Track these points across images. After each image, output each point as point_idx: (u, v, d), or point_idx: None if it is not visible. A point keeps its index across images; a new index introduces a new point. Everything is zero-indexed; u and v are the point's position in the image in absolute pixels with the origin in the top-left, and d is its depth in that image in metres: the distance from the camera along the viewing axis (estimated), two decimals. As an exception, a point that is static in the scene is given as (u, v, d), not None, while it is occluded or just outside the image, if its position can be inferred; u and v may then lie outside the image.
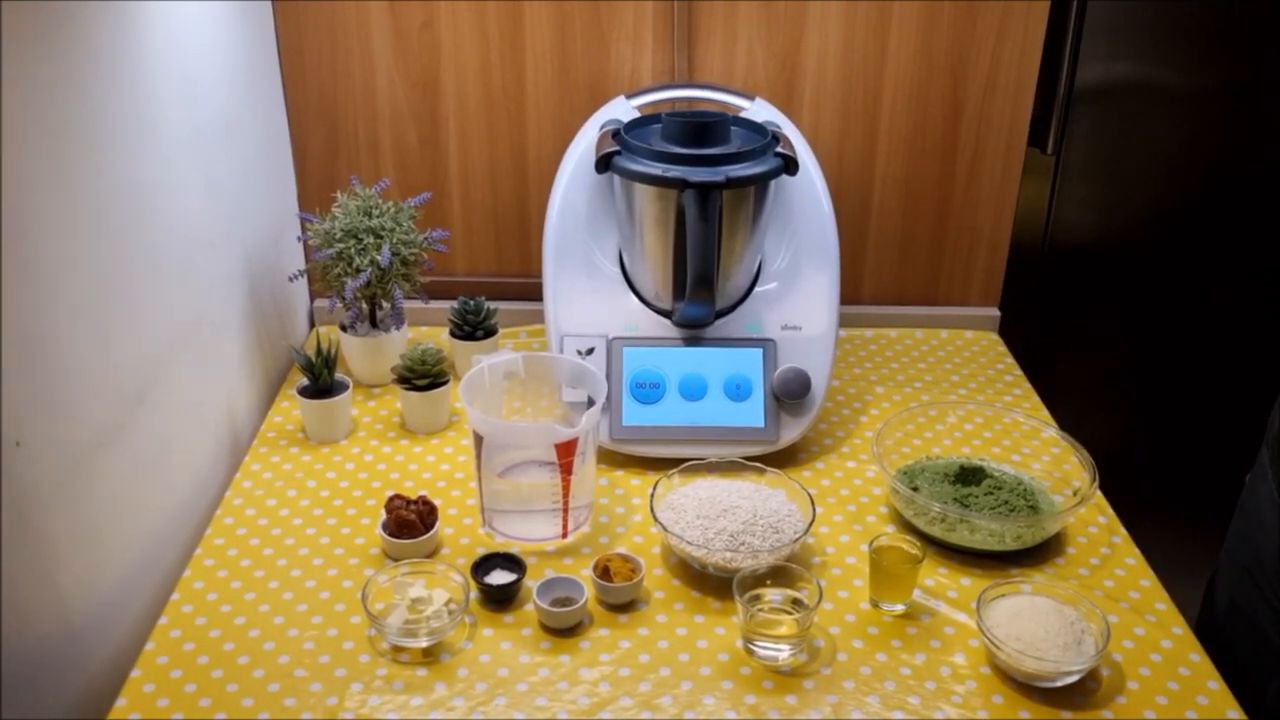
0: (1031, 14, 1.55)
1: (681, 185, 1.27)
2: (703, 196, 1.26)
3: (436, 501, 1.25)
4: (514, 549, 1.21)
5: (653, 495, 1.22)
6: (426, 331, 1.68)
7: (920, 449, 1.38)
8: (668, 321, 1.40)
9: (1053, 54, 1.61)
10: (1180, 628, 1.13)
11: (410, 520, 1.20)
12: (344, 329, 1.52)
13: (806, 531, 1.18)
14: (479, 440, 1.21)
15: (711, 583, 1.17)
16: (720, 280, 1.34)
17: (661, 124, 1.37)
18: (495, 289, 1.68)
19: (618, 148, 1.34)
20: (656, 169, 1.29)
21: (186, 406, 1.26)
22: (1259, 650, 1.19)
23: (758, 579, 1.12)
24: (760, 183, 1.32)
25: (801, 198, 1.43)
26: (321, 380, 1.40)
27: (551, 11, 1.55)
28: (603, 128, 1.41)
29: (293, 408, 1.47)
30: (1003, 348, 1.70)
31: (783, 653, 1.08)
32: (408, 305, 1.53)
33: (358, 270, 1.44)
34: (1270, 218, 1.76)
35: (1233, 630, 1.24)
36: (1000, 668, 1.06)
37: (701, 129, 1.33)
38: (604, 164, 1.33)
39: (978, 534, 1.21)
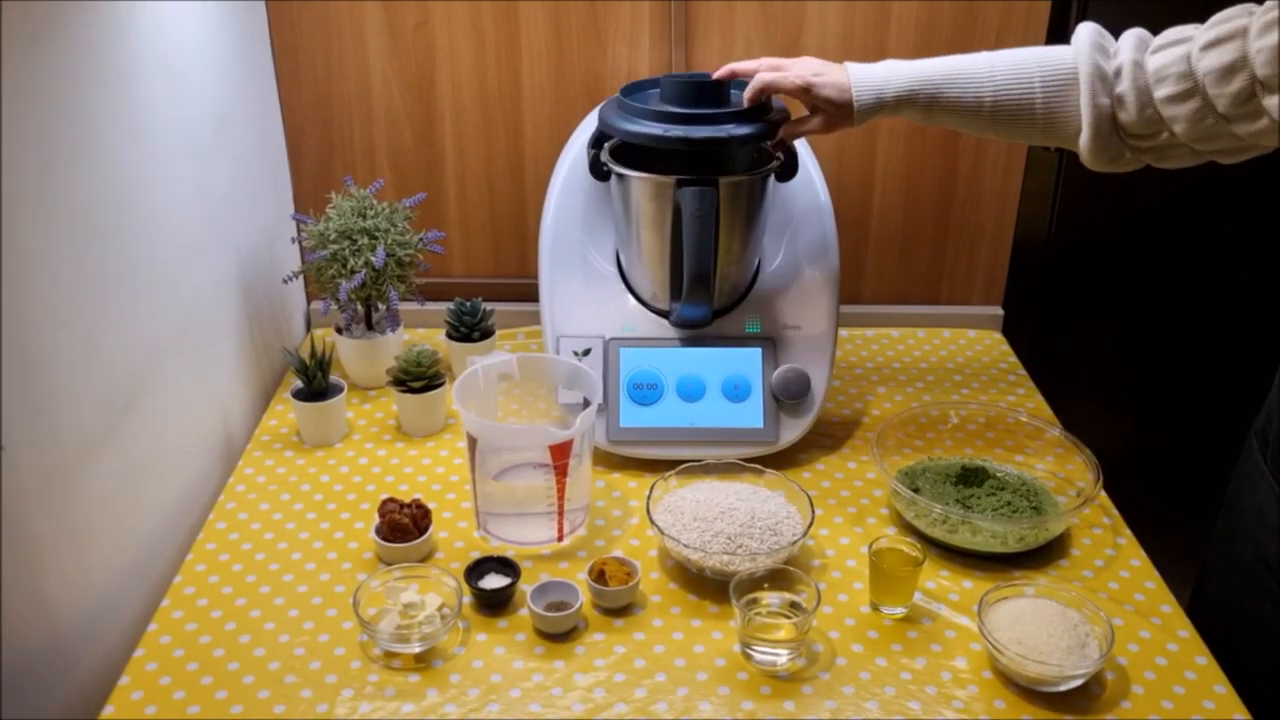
0: (1032, 13, 1.53)
1: (683, 145, 1.22)
2: (699, 193, 1.24)
3: (431, 505, 1.24)
4: (509, 553, 1.19)
5: (649, 497, 1.21)
6: (423, 334, 1.67)
7: (922, 450, 1.36)
8: (665, 322, 1.38)
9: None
10: (1186, 630, 1.11)
11: (403, 524, 1.18)
12: (339, 331, 1.50)
13: (805, 534, 1.16)
14: (473, 443, 1.20)
15: (709, 586, 1.16)
16: (718, 279, 1.32)
17: (660, 88, 1.33)
18: (492, 290, 1.67)
19: (604, 131, 1.31)
20: (657, 129, 1.25)
21: (178, 410, 1.25)
22: (1265, 647, 1.17)
23: (755, 582, 1.10)
24: (764, 140, 1.27)
25: (800, 195, 1.42)
26: (316, 383, 1.38)
27: (547, 11, 1.53)
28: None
29: (287, 411, 1.46)
30: (1006, 347, 1.69)
31: (781, 657, 1.06)
32: (404, 307, 1.51)
33: (352, 272, 1.42)
34: (1274, 216, 1.74)
35: (1233, 629, 1.21)
36: (1002, 672, 1.05)
37: (700, 90, 1.28)
38: (596, 167, 1.32)
39: (980, 536, 1.19)
